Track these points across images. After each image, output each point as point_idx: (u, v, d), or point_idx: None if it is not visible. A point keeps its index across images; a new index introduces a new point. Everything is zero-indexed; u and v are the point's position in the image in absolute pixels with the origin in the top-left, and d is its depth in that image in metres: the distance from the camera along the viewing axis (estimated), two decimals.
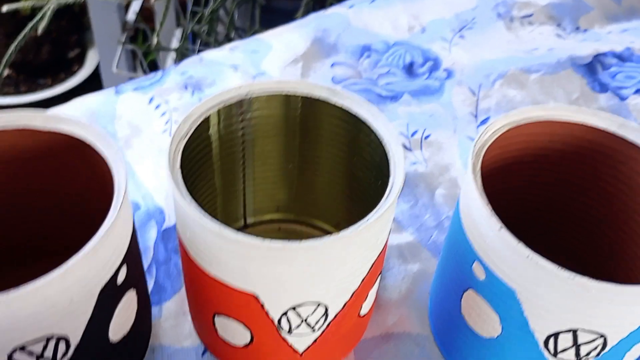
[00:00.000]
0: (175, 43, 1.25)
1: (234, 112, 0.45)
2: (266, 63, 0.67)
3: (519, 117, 0.45)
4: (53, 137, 0.43)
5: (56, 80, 1.59)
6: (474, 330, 0.43)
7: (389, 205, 0.38)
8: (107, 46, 1.17)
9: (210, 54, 0.69)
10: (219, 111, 0.44)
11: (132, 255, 0.41)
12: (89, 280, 0.37)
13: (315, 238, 0.36)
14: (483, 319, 0.42)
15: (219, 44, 1.01)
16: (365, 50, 0.70)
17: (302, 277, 0.38)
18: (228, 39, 1.04)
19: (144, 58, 1.23)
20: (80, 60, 1.64)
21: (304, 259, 0.37)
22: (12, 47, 0.96)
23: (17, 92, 1.55)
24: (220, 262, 0.38)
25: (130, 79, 0.77)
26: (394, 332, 0.49)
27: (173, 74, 0.66)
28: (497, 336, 0.41)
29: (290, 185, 0.52)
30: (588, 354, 0.39)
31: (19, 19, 1.55)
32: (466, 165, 0.57)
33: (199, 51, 1.06)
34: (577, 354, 0.39)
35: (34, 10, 1.47)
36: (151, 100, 0.63)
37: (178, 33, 1.28)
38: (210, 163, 0.47)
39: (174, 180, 0.39)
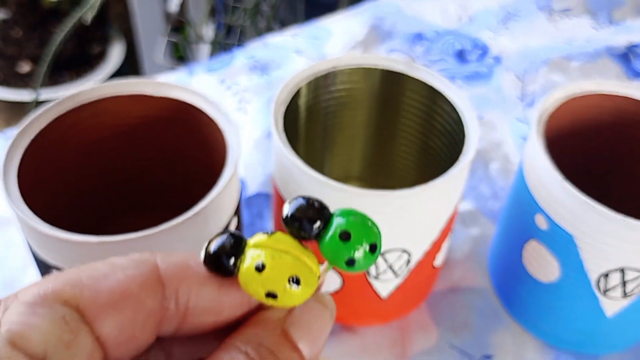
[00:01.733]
0: (207, 36, 1.35)
1: (321, 84, 0.55)
2: (328, 48, 0.77)
3: (573, 90, 0.54)
4: (164, 103, 0.51)
5: (79, 75, 1.68)
6: (534, 277, 0.52)
7: (468, 160, 0.48)
8: (150, 37, 1.26)
9: (274, 39, 0.79)
10: (309, 83, 0.54)
11: (239, 211, 0.51)
12: (212, 223, 0.45)
13: (406, 188, 0.46)
14: (543, 265, 0.51)
15: (260, 36, 1.11)
16: (418, 38, 0.80)
17: (393, 223, 0.47)
18: (270, 31, 1.14)
19: (177, 51, 1.33)
20: (103, 57, 1.73)
21: (397, 205, 0.46)
22: (60, 38, 1.05)
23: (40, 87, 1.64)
24: None
25: (171, 69, 0.86)
26: (459, 285, 0.58)
27: (241, 57, 0.76)
28: (556, 280, 0.51)
29: (364, 157, 0.62)
30: (632, 290, 0.49)
31: (40, 12, 1.64)
32: (516, 143, 0.67)
33: (238, 44, 1.15)
34: (624, 290, 0.49)
35: (59, 4, 1.57)
36: (222, 81, 0.73)
37: (210, 26, 1.38)
38: (296, 132, 0.56)
39: (280, 139, 0.48)
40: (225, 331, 0.27)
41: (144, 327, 0.25)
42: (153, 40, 1.26)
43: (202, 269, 0.27)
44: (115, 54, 1.71)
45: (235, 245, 0.26)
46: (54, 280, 0.24)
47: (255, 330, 0.26)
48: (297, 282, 0.25)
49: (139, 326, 0.25)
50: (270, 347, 0.26)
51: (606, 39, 0.81)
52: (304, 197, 0.27)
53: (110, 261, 0.26)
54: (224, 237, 0.26)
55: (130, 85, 0.51)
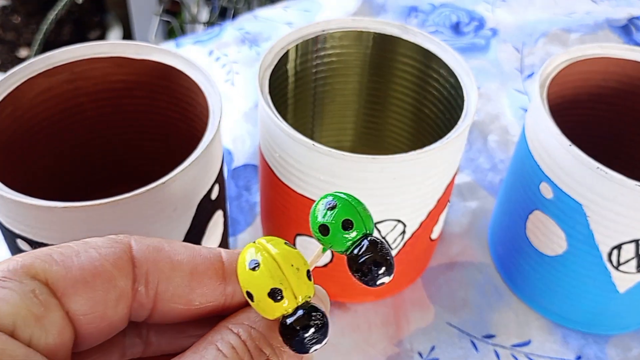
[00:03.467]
0: (200, 17, 1.29)
1: (310, 48, 0.49)
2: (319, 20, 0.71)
3: (577, 53, 0.49)
4: (145, 66, 0.46)
5: None
6: (538, 250, 0.47)
7: (467, 124, 0.42)
8: (143, 17, 1.21)
9: (264, 12, 0.73)
10: (297, 46, 0.48)
11: (222, 178, 0.45)
12: (191, 190, 0.40)
13: (401, 153, 0.40)
14: (549, 238, 0.45)
15: None
16: (412, 10, 0.74)
17: (387, 192, 0.42)
18: None
19: (170, 33, 1.27)
20: None
21: (391, 171, 0.41)
22: (51, 17, 1.00)
23: None
24: (310, 177, 0.42)
25: None
26: (457, 261, 0.53)
27: (230, 29, 0.70)
28: (563, 252, 0.45)
29: (356, 127, 0.56)
30: None
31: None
32: (515, 114, 0.62)
33: None
34: (639, 264, 0.43)
35: None
36: (211, 53, 0.67)
37: (204, 8, 1.32)
38: (285, 99, 0.51)
39: (265, 102, 0.43)
40: (205, 323, 0.26)
41: (115, 306, 0.24)
42: (147, 23, 1.20)
43: (175, 254, 0.25)
44: (113, 39, 1.65)
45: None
46: (24, 256, 0.23)
47: (248, 315, 0.25)
48: (274, 297, 0.23)
49: (111, 305, 0.24)
50: (262, 331, 0.24)
51: (606, 11, 0.75)
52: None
53: (84, 240, 0.25)
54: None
55: (108, 48, 0.46)
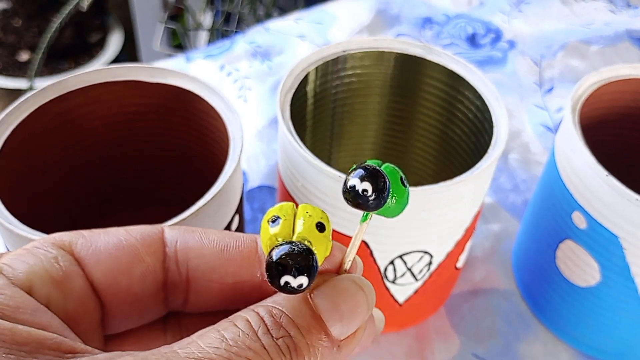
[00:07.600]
0: (205, 23, 1.27)
1: (330, 69, 0.47)
2: (332, 33, 0.69)
3: (608, 74, 0.47)
4: (160, 90, 0.44)
5: (78, 64, 1.60)
6: (569, 280, 0.45)
7: (499, 151, 0.40)
8: (148, 25, 1.19)
9: (276, 24, 0.71)
10: (317, 68, 0.46)
11: (241, 208, 0.43)
12: (212, 223, 0.38)
13: (430, 184, 0.38)
14: (581, 268, 0.44)
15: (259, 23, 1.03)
16: (427, 22, 0.72)
17: (415, 224, 0.40)
18: (269, 19, 1.06)
19: (175, 39, 1.25)
20: (101, 45, 1.65)
21: (420, 203, 0.39)
22: (56, 25, 0.98)
23: (38, 74, 1.56)
24: (336, 209, 0.40)
25: (169, 56, 0.79)
26: (481, 287, 0.51)
27: (241, 42, 0.68)
28: (595, 284, 0.43)
29: (375, 148, 0.54)
30: None
31: (40, 2, 1.56)
32: (536, 131, 0.60)
33: (236, 31, 1.08)
34: None
35: None
36: (222, 67, 0.65)
37: (208, 13, 1.30)
38: (303, 121, 0.49)
39: (288, 129, 0.41)
40: None
41: (142, 282, 0.24)
42: (151, 28, 1.18)
43: (207, 233, 0.25)
44: (114, 42, 1.63)
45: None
46: (60, 233, 0.24)
47: (274, 298, 0.23)
48: (272, 221, 0.22)
49: (136, 279, 0.24)
50: (285, 309, 0.22)
51: (625, 22, 0.73)
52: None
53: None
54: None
55: (122, 71, 0.45)
